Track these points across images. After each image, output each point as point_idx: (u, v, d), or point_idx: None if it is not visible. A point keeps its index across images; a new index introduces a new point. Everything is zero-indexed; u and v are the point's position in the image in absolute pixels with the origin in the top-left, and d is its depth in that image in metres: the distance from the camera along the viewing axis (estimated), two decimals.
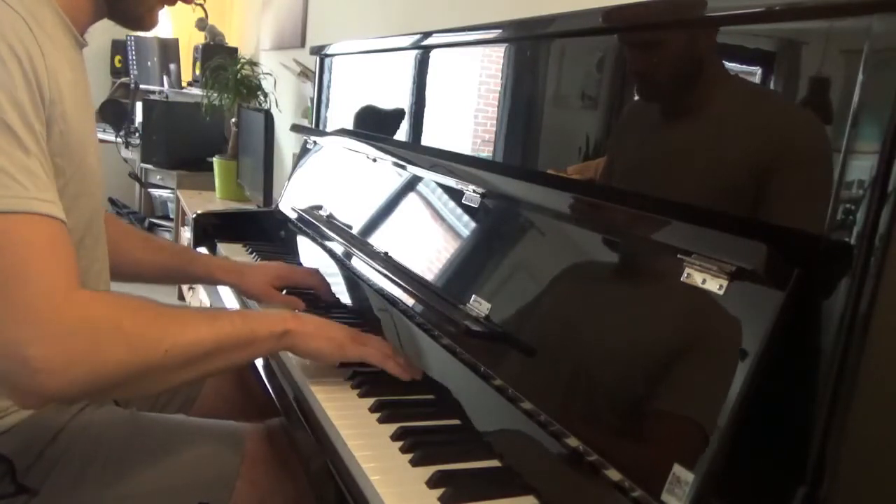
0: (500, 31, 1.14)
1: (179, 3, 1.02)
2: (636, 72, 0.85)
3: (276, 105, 3.10)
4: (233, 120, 3.24)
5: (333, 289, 1.34)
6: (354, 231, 1.35)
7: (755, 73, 0.69)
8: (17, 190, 0.70)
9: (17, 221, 0.70)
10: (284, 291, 1.32)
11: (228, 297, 1.36)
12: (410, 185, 1.26)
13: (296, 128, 2.11)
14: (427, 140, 1.37)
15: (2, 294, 0.68)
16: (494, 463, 0.77)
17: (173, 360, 0.77)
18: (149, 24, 0.99)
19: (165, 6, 1.00)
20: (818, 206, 0.60)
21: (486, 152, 1.14)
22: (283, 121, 3.00)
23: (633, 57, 0.86)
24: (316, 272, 1.36)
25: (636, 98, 0.86)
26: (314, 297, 1.32)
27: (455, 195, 1.08)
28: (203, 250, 1.71)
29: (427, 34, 1.37)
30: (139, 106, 4.02)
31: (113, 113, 4.12)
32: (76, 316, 0.71)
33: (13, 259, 0.69)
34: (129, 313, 0.76)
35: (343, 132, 1.75)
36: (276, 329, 0.89)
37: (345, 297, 1.29)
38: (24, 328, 0.68)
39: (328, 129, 1.93)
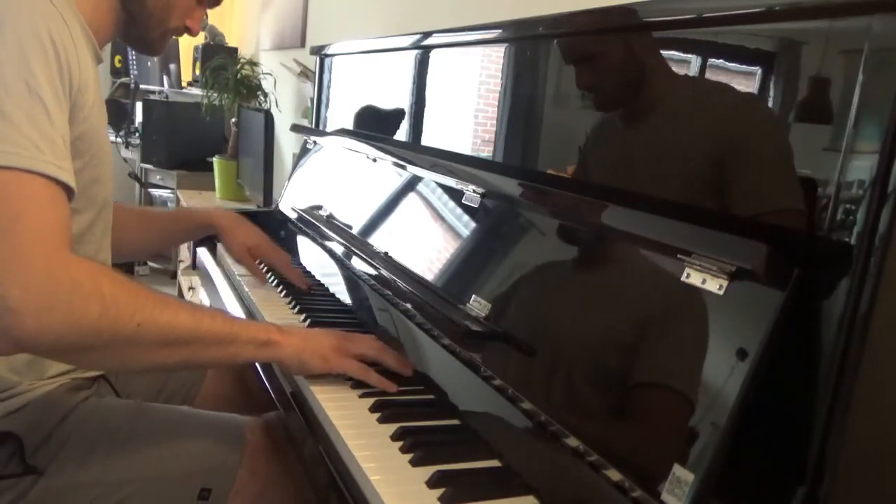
0: (500, 31, 1.14)
1: (191, 31, 1.10)
2: (638, 72, 0.85)
3: (276, 105, 3.10)
4: (233, 120, 3.24)
5: (333, 289, 1.34)
6: (354, 231, 1.35)
7: (755, 73, 0.69)
8: (33, 152, 0.75)
9: (26, 178, 0.74)
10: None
11: (227, 294, 1.37)
12: (410, 185, 1.26)
13: (296, 128, 2.11)
14: (427, 140, 1.37)
15: None
16: (494, 463, 0.77)
17: (145, 337, 0.78)
18: (158, 49, 1.07)
19: (174, 36, 1.08)
20: (809, 203, 0.60)
21: (486, 152, 1.14)
22: (283, 121, 3.00)
23: (633, 57, 0.86)
24: (288, 260, 1.37)
25: (634, 98, 0.86)
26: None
27: (455, 195, 1.08)
28: (203, 250, 1.71)
29: (427, 34, 1.37)
30: (139, 106, 4.02)
31: (113, 113, 4.12)
32: (60, 269, 0.73)
33: (14, 209, 0.73)
34: (111, 281, 0.77)
35: (343, 132, 1.75)
36: (259, 336, 0.88)
37: (345, 297, 1.29)
38: (8, 268, 0.70)
39: (328, 129, 1.93)
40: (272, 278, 1.38)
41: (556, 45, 1.00)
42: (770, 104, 0.68)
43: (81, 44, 0.88)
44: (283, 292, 1.32)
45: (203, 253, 1.70)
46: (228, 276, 1.44)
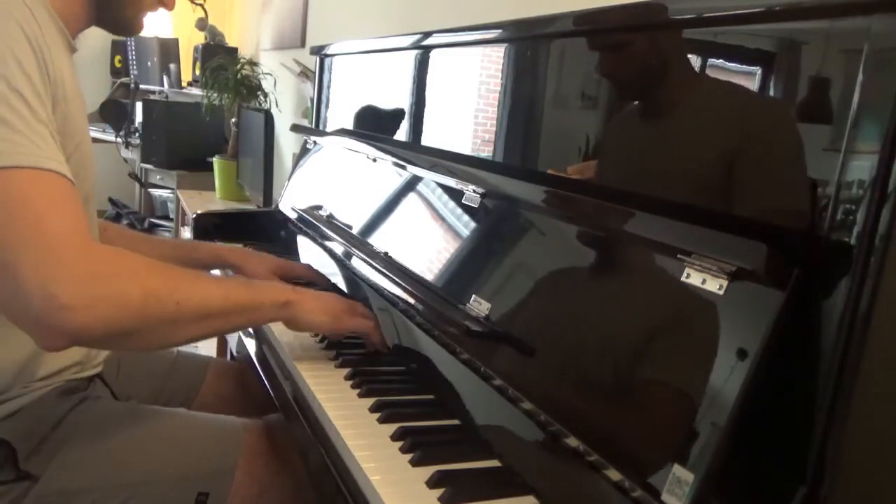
0: (500, 31, 1.14)
1: (166, 4, 1.05)
2: (637, 72, 0.85)
3: (276, 105, 3.10)
4: (233, 120, 3.24)
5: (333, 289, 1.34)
6: (354, 231, 1.35)
7: (755, 73, 0.69)
8: (32, 149, 0.75)
9: (35, 176, 0.75)
10: None
11: None
12: (410, 185, 1.26)
13: (296, 128, 2.11)
14: (427, 140, 1.37)
15: (28, 240, 0.72)
16: (494, 463, 0.77)
17: (184, 314, 0.82)
18: (135, 29, 1.04)
19: (148, 13, 1.04)
20: (809, 203, 0.60)
21: (486, 152, 1.14)
22: (283, 121, 3.00)
23: (633, 57, 0.86)
24: (310, 267, 1.39)
25: (635, 98, 0.86)
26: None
27: (455, 195, 1.08)
28: None
29: (427, 34, 1.37)
30: (139, 106, 4.02)
31: (113, 113, 4.11)
32: (98, 260, 0.76)
33: (36, 209, 0.73)
34: (145, 265, 0.81)
35: (343, 132, 1.75)
36: (278, 299, 0.95)
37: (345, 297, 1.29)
38: (52, 268, 0.72)
39: (328, 129, 1.93)
40: None
41: (556, 45, 1.00)
42: (773, 104, 0.68)
43: (53, 36, 0.87)
44: None
45: None
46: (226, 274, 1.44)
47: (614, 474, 0.63)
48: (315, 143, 1.83)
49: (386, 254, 1.18)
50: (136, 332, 0.79)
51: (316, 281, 1.35)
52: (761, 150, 0.67)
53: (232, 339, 1.44)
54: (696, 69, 0.76)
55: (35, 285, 0.71)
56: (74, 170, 0.90)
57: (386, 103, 1.58)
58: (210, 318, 0.86)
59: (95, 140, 4.19)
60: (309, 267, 1.39)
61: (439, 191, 1.15)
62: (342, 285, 1.31)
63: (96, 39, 4.70)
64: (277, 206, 1.83)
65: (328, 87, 1.98)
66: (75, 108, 0.89)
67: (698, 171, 0.74)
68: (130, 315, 0.76)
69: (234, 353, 1.48)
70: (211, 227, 1.77)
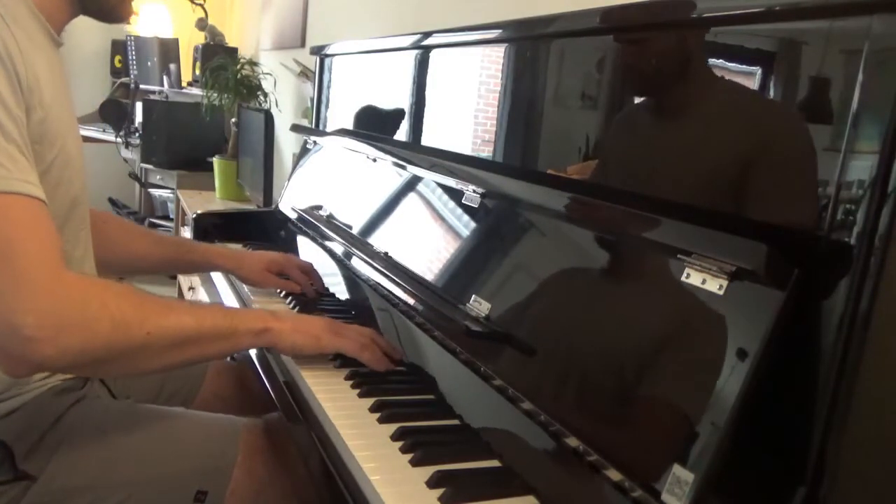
0: (500, 31, 1.14)
1: None
2: (636, 72, 0.85)
3: (276, 105, 3.10)
4: (233, 120, 3.24)
5: (333, 289, 1.34)
6: (354, 231, 1.35)
7: (755, 73, 0.69)
8: (1, 171, 0.73)
9: (6, 201, 0.73)
10: None
11: (227, 297, 1.37)
12: (410, 185, 1.26)
13: (296, 128, 2.11)
14: (427, 140, 1.37)
15: None
16: (494, 463, 0.77)
17: (155, 343, 0.81)
18: (123, 14, 1.01)
19: None
20: (809, 204, 0.60)
21: (486, 152, 1.14)
22: (283, 121, 2.99)
23: (632, 57, 0.86)
24: (310, 266, 1.38)
25: (635, 98, 0.86)
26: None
27: (455, 195, 1.08)
28: None
29: (427, 34, 1.37)
30: (139, 106, 4.01)
31: (113, 113, 4.11)
32: (66, 290, 0.75)
33: (5, 235, 0.72)
34: (115, 295, 0.79)
35: (343, 132, 1.75)
36: (255, 326, 0.93)
37: (345, 297, 1.29)
38: (18, 299, 0.71)
39: (328, 129, 1.93)
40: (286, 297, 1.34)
41: (556, 45, 1.00)
42: (774, 105, 0.68)
43: (31, 33, 0.84)
44: (285, 296, 1.32)
45: None
46: (227, 275, 1.44)
47: (614, 474, 0.63)
48: (315, 143, 1.83)
49: (386, 254, 1.18)
50: (106, 362, 0.79)
51: (305, 288, 1.33)
52: (761, 150, 0.67)
53: None
54: (697, 69, 0.76)
55: (2, 316, 0.70)
56: (58, 174, 0.88)
57: (386, 103, 1.58)
58: (183, 346, 0.85)
59: (95, 140, 4.19)
60: (304, 266, 1.37)
61: (439, 191, 1.15)
62: (342, 285, 1.31)
63: (96, 40, 4.69)
64: (277, 206, 1.83)
65: (328, 87, 1.98)
66: (56, 110, 0.86)
67: (698, 171, 0.74)
68: (98, 346, 0.76)
69: (234, 354, 1.48)
70: (211, 227, 1.77)
